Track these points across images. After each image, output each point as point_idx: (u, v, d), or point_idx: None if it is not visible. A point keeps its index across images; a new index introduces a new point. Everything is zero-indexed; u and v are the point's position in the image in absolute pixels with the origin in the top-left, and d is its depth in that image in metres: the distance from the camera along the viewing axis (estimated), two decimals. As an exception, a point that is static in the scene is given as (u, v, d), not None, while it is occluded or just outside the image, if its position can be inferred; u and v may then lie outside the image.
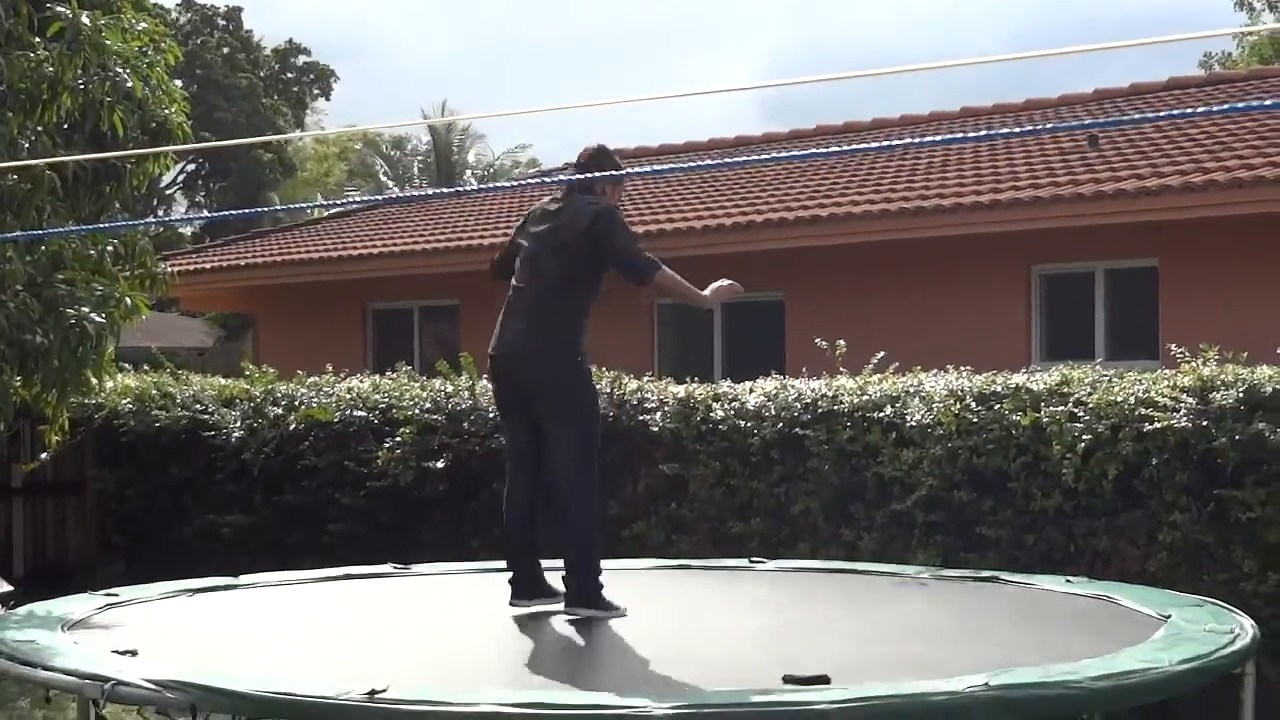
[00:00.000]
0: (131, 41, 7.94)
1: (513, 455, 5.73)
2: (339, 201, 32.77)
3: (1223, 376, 6.99)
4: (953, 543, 7.53)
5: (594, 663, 4.95)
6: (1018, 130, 13.63)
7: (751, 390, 8.57)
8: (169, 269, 9.11)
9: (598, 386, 6.74)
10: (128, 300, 7.88)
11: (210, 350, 29.34)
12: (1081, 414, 7.20)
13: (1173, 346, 7.64)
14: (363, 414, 10.09)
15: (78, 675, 4.22)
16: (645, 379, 9.28)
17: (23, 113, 7.41)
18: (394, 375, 10.66)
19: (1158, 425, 6.91)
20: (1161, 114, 12.75)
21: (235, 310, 23.93)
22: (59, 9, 7.51)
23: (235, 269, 17.23)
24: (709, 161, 16.27)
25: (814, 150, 15.29)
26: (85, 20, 7.49)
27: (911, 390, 7.91)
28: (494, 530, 8.03)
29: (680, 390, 8.86)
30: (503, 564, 5.76)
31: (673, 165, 16.02)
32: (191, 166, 41.48)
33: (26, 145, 7.40)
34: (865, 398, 7.97)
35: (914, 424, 7.68)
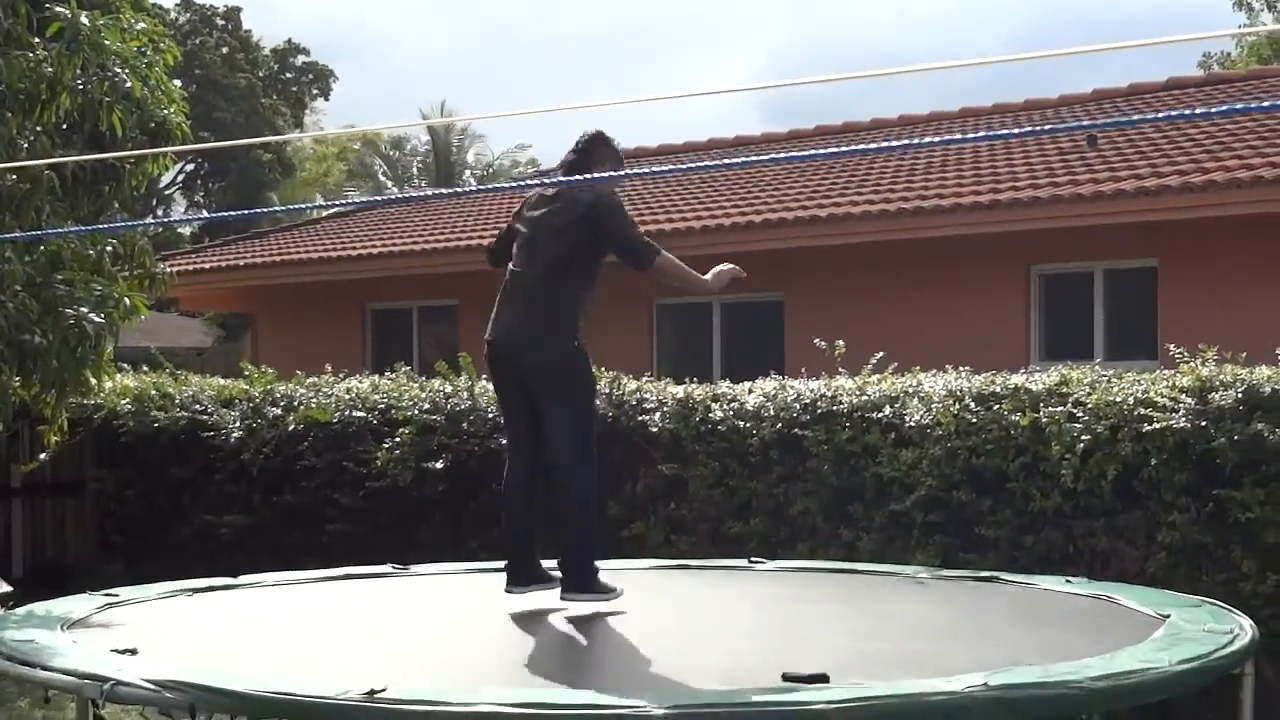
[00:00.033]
0: (130, 41, 7.94)
1: (511, 439, 5.73)
2: (338, 202, 32.78)
3: (1221, 377, 6.99)
4: (952, 543, 7.52)
5: (593, 662, 4.95)
6: (1017, 130, 13.63)
7: (750, 391, 8.57)
8: (168, 269, 9.13)
9: (597, 387, 6.73)
10: (127, 300, 7.89)
11: (209, 350, 29.34)
12: (1080, 414, 7.20)
13: (1172, 347, 7.63)
14: (362, 414, 10.09)
15: (77, 675, 4.20)
16: (644, 379, 9.28)
17: (22, 113, 7.41)
18: (393, 375, 10.66)
19: (1157, 426, 6.91)
20: (1161, 114, 12.71)
21: (234, 310, 23.94)
22: (58, 9, 7.51)
23: (234, 269, 17.23)
24: (708, 162, 16.28)
25: (813, 150, 15.23)
26: (84, 20, 7.49)
27: (910, 390, 7.91)
28: (493, 530, 8.03)
29: (679, 391, 8.86)
30: (502, 564, 5.75)
31: (672, 165, 16.00)
32: (190, 166, 41.48)
33: (25, 145, 7.40)
34: (864, 398, 7.97)
35: (913, 424, 7.67)
